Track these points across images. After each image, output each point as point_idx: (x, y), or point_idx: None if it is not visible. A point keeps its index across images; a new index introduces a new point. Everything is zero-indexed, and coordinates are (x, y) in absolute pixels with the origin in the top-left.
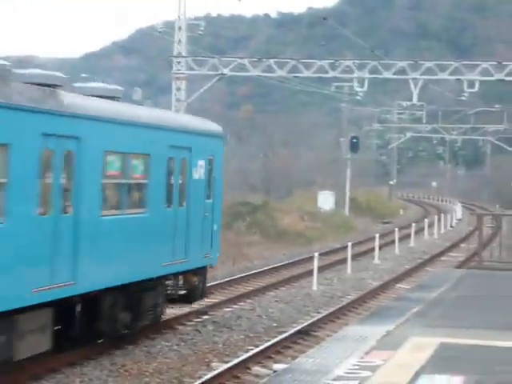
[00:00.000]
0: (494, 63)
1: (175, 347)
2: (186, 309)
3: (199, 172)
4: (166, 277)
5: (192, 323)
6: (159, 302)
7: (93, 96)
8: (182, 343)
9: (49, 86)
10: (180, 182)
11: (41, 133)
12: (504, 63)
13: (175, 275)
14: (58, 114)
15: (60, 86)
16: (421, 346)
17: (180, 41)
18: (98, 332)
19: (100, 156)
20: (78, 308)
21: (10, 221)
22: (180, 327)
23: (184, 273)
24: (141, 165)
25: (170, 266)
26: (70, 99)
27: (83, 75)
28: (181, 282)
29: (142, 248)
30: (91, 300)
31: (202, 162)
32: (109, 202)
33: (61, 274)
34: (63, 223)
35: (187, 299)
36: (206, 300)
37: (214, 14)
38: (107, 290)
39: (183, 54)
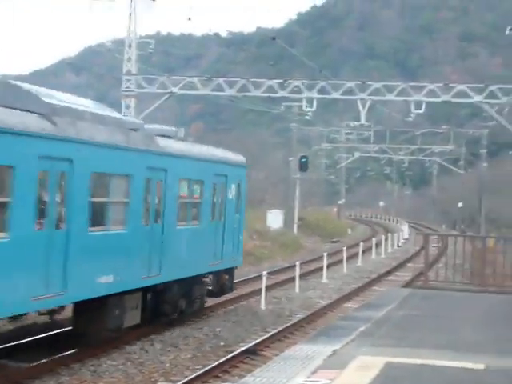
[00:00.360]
0: (441, 85)
1: (121, 366)
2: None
3: (232, 193)
4: (205, 274)
5: (139, 342)
6: (203, 294)
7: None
8: (129, 362)
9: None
10: (220, 201)
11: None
12: (450, 85)
13: (214, 273)
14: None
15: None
16: (367, 365)
17: (130, 59)
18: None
19: (184, 182)
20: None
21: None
22: (127, 346)
23: (218, 272)
24: (197, 188)
25: (213, 266)
26: (164, 142)
27: None
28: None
29: (196, 251)
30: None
31: (233, 186)
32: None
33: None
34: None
35: (219, 294)
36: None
37: (164, 33)
38: (174, 281)
39: (133, 71)
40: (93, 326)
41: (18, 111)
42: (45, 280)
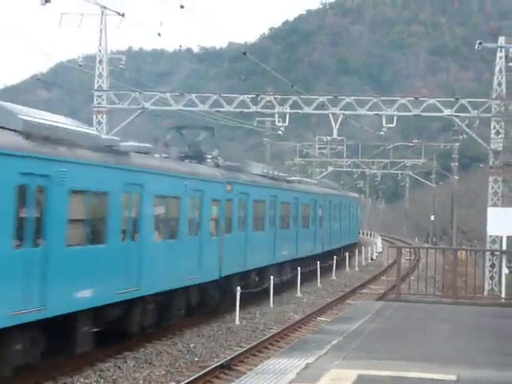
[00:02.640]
0: (412, 99)
1: None
2: (104, 345)
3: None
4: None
5: (112, 359)
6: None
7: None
8: (102, 380)
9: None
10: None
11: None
12: (421, 99)
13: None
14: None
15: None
16: (339, 378)
17: (101, 74)
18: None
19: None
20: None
21: None
22: (99, 363)
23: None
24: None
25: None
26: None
27: None
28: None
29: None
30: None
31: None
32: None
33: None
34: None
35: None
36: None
37: (135, 48)
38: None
39: (104, 87)
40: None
41: None
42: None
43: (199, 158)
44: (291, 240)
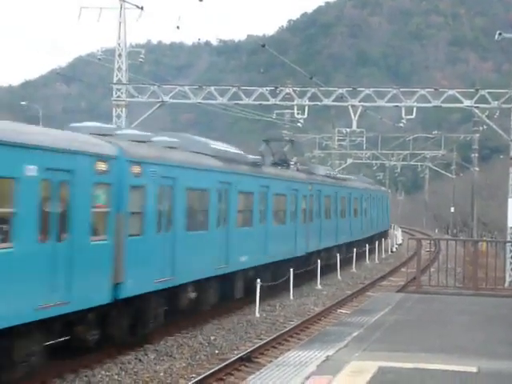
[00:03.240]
0: (431, 90)
1: (116, 377)
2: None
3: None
4: None
5: (133, 352)
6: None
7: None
8: (123, 372)
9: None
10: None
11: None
12: (441, 90)
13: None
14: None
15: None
16: (360, 370)
17: (120, 68)
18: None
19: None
20: None
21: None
22: (120, 356)
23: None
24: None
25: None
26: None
27: (22, 103)
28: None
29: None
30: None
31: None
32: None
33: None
34: None
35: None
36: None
37: (154, 42)
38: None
39: (123, 81)
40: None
41: None
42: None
43: (285, 164)
44: (348, 226)
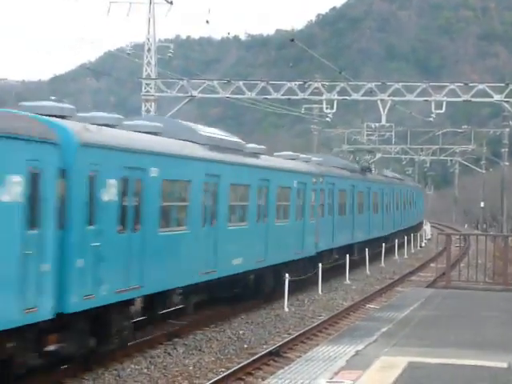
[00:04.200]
0: (461, 84)
1: (145, 370)
2: (155, 331)
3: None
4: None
5: (162, 346)
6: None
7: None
8: (152, 366)
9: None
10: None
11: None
12: (470, 84)
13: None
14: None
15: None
16: (389, 365)
17: (149, 63)
18: None
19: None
20: None
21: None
22: (150, 350)
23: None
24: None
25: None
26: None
27: (52, 98)
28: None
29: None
30: None
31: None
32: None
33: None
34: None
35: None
36: (175, 322)
37: (183, 36)
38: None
39: (152, 76)
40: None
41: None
42: None
43: (368, 170)
44: (390, 219)
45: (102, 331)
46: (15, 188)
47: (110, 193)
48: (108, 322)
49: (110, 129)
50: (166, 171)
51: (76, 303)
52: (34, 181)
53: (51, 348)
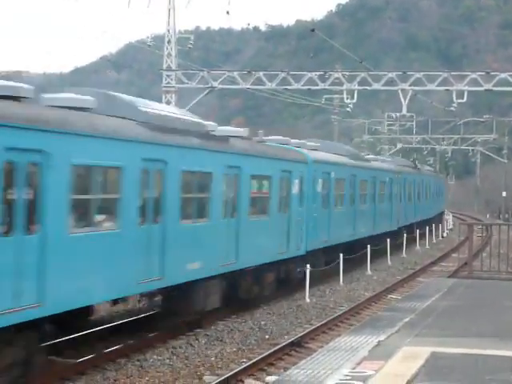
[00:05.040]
0: (483, 73)
1: (167, 361)
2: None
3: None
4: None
5: (184, 336)
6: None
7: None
8: (174, 357)
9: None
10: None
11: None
12: (492, 73)
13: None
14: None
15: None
16: (412, 355)
17: (170, 54)
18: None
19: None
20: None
21: None
22: (172, 341)
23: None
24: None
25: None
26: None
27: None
28: None
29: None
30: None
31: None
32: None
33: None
34: None
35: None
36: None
37: (203, 28)
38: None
39: (173, 67)
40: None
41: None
42: None
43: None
44: (423, 207)
45: None
46: (296, 187)
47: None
48: None
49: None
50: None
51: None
52: (301, 183)
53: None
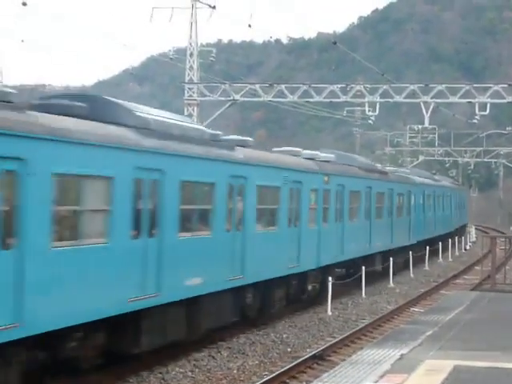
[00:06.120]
0: (505, 85)
1: (189, 373)
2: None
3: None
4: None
5: (206, 349)
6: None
7: None
8: (197, 369)
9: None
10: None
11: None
12: None
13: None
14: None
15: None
16: (435, 368)
17: (192, 67)
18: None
19: None
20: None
21: None
22: (194, 353)
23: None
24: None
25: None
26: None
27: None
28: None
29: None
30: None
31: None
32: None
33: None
34: None
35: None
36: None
37: (225, 41)
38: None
39: (195, 80)
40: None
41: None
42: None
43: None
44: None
45: None
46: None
47: None
48: None
49: None
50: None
51: None
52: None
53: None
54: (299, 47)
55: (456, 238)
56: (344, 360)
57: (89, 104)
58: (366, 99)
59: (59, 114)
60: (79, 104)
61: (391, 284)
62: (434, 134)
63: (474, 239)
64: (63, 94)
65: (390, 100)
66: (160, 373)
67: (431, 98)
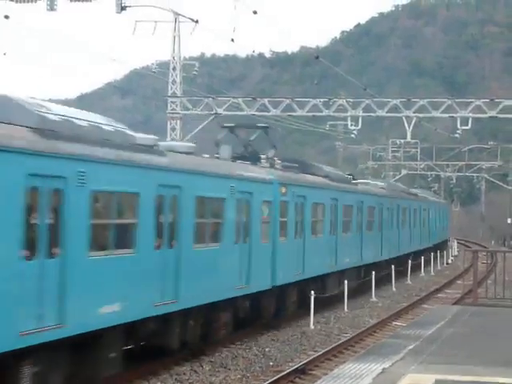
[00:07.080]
0: (487, 100)
1: None
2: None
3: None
4: None
5: (188, 363)
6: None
7: None
8: (178, 383)
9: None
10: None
11: None
12: (496, 100)
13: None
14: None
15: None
16: (417, 382)
17: (174, 81)
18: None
19: None
20: None
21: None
22: (176, 367)
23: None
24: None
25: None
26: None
27: None
28: None
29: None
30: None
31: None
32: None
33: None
34: None
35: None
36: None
37: (208, 55)
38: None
39: (178, 94)
40: None
41: None
42: None
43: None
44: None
45: None
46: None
47: None
48: None
49: None
50: None
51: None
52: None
53: None
54: (282, 61)
55: (438, 252)
56: (326, 374)
57: None
58: (349, 113)
59: None
60: None
61: (373, 298)
62: (417, 148)
63: (456, 253)
64: None
65: (372, 114)
66: None
67: (413, 112)
